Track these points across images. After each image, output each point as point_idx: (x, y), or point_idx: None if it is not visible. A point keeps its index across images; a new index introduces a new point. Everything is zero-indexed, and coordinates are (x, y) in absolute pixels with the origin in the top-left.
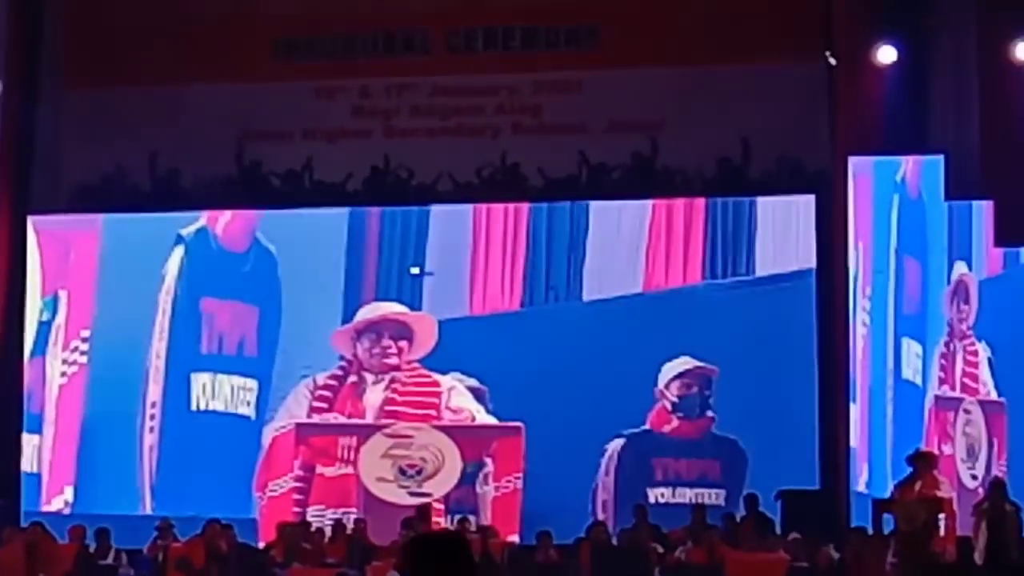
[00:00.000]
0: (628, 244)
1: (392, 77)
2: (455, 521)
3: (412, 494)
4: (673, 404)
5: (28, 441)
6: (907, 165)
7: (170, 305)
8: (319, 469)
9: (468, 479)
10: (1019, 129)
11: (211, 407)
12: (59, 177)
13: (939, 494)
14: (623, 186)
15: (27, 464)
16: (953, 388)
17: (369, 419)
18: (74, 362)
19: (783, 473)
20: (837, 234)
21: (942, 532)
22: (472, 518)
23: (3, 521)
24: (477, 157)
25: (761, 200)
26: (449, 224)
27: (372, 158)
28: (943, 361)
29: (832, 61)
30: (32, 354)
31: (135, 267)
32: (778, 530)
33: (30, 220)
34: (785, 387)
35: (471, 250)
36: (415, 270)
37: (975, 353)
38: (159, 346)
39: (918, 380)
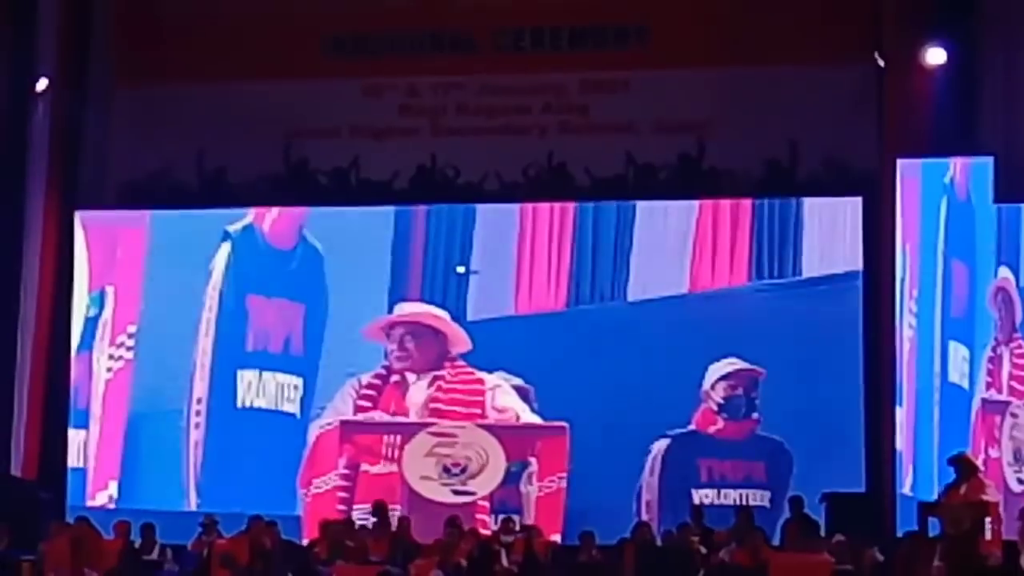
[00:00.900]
0: (674, 245)
1: (440, 76)
2: (499, 521)
3: (456, 492)
4: (719, 405)
5: (74, 436)
6: (955, 167)
7: (216, 302)
8: (363, 467)
9: (512, 478)
10: None
11: (256, 404)
12: (107, 173)
13: (985, 498)
14: (670, 186)
15: (73, 459)
16: (1000, 391)
17: (413, 417)
18: (120, 357)
19: (828, 475)
20: (884, 236)
21: (988, 536)
22: (516, 518)
23: (49, 515)
24: (524, 156)
25: (808, 201)
26: (495, 223)
27: (419, 156)
28: (990, 365)
29: (880, 62)
30: (79, 349)
31: (182, 263)
32: (822, 532)
33: (78, 216)
34: (831, 389)
35: (517, 249)
36: (461, 269)
37: (1023, 356)
38: (205, 343)
39: (965, 383)
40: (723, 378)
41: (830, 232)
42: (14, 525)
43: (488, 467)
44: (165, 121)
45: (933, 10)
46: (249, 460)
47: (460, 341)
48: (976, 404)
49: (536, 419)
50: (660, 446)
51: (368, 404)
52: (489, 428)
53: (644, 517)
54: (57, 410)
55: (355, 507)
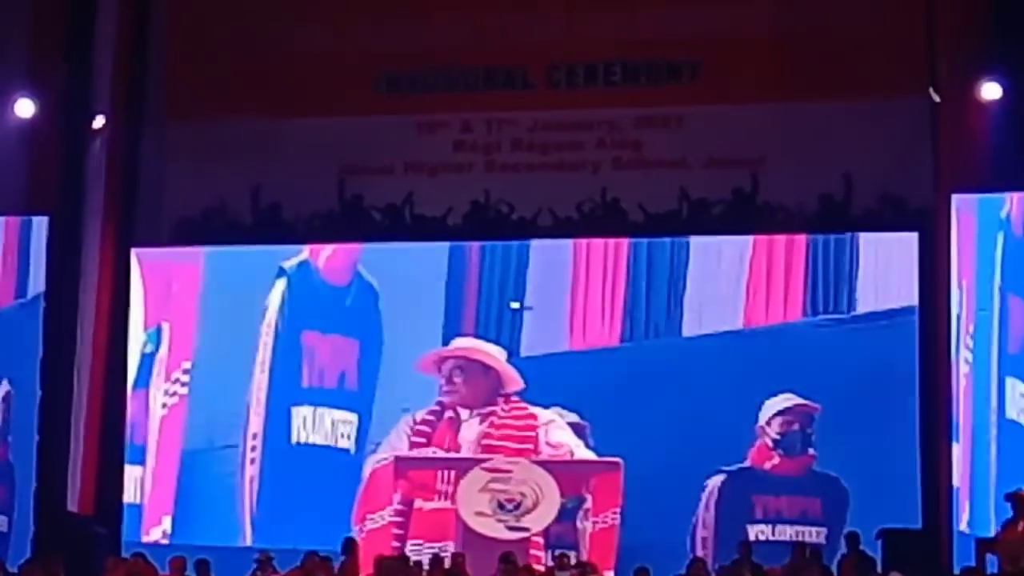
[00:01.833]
0: (728, 280)
1: (493, 112)
2: (553, 556)
3: (510, 528)
4: (774, 441)
5: (131, 472)
6: (1011, 202)
7: (271, 338)
8: (417, 503)
9: (568, 514)
10: None
11: (311, 440)
12: (162, 210)
13: None
14: (724, 222)
15: (130, 495)
16: None
17: (466, 453)
18: (175, 394)
19: (885, 512)
20: (940, 272)
21: None
22: (572, 553)
23: (104, 551)
24: (577, 192)
25: (863, 237)
26: (549, 259)
27: (473, 192)
28: None
29: (936, 97)
30: (135, 386)
31: (237, 300)
32: (879, 569)
33: (134, 252)
34: (887, 425)
35: (571, 285)
36: (515, 304)
37: None
38: (260, 379)
39: (1022, 420)
40: (779, 414)
41: (885, 267)
42: (70, 560)
43: (542, 503)
44: (220, 157)
45: (988, 45)
46: (304, 496)
47: (512, 380)
48: None
49: (590, 455)
50: (715, 482)
51: (422, 440)
52: (543, 464)
53: (699, 553)
54: (113, 446)
55: (409, 543)
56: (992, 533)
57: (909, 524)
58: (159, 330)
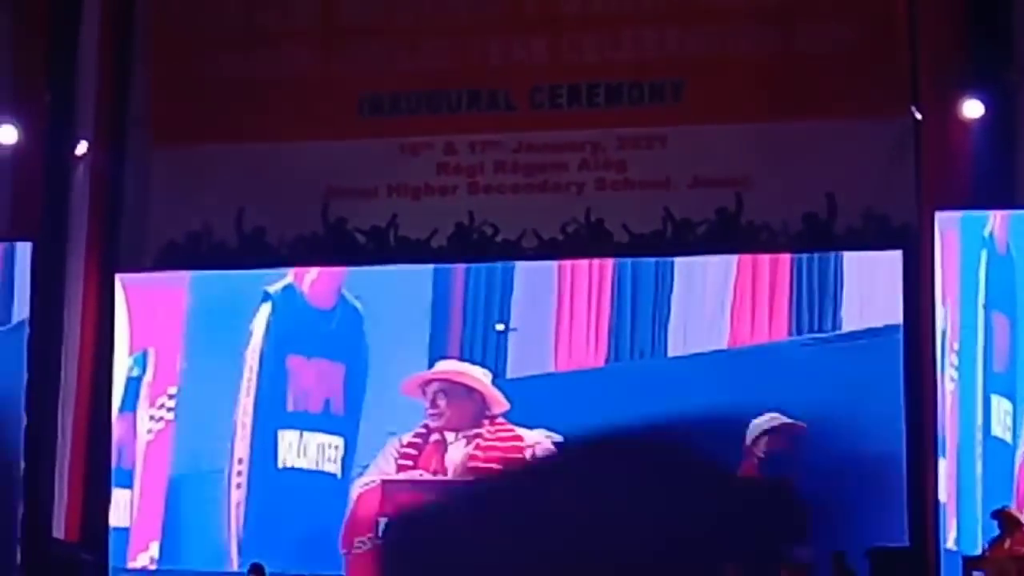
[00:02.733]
0: (713, 300)
1: (476, 134)
2: None
3: None
4: (760, 460)
5: (121, 496)
6: (995, 220)
7: (257, 362)
8: None
9: None
10: None
11: (297, 464)
12: (146, 235)
13: None
14: (708, 242)
15: (118, 520)
16: None
17: (452, 476)
18: (160, 419)
19: (871, 530)
20: (924, 290)
21: None
22: None
23: None
24: (561, 213)
25: (847, 256)
26: (534, 280)
27: (457, 214)
28: None
29: (918, 116)
30: (124, 409)
31: (222, 324)
32: None
33: (118, 278)
34: (872, 443)
35: (556, 306)
36: (500, 327)
37: None
38: (246, 403)
39: (1008, 437)
40: (765, 433)
41: (869, 286)
42: None
43: None
44: (203, 182)
45: (970, 63)
46: (291, 520)
47: (496, 401)
48: (1019, 458)
49: None
50: None
51: (409, 463)
52: None
53: None
54: (99, 472)
55: None
56: (979, 551)
57: (896, 542)
58: (145, 354)
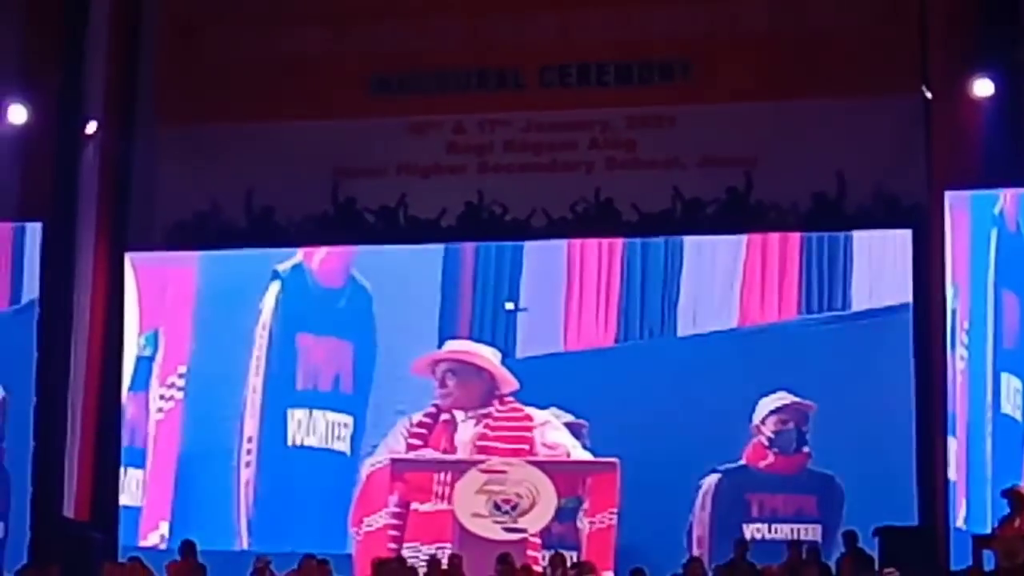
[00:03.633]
0: (723, 279)
1: (486, 113)
2: (549, 556)
3: (507, 529)
4: (769, 439)
5: (133, 475)
6: (1005, 198)
7: (266, 341)
8: (414, 505)
9: (566, 515)
10: None
11: (307, 443)
12: (155, 214)
13: None
14: (717, 221)
15: (129, 498)
16: None
17: (462, 455)
18: (171, 398)
19: (881, 509)
20: (934, 268)
21: None
22: (572, 554)
23: (101, 556)
24: (571, 192)
25: (857, 235)
26: (543, 260)
27: (466, 194)
28: None
29: (928, 94)
30: (134, 388)
31: (231, 303)
32: (876, 567)
33: (127, 257)
34: (882, 422)
35: (565, 285)
36: (510, 306)
37: None
38: (255, 381)
39: (1018, 415)
40: (773, 412)
41: (879, 265)
42: (67, 566)
43: (539, 504)
44: (213, 161)
45: (980, 41)
46: (300, 499)
47: (505, 381)
48: None
49: (587, 455)
50: (711, 481)
51: (419, 442)
52: (539, 465)
53: (695, 552)
54: (109, 451)
55: (406, 545)
56: (989, 529)
57: (905, 521)
58: (155, 334)
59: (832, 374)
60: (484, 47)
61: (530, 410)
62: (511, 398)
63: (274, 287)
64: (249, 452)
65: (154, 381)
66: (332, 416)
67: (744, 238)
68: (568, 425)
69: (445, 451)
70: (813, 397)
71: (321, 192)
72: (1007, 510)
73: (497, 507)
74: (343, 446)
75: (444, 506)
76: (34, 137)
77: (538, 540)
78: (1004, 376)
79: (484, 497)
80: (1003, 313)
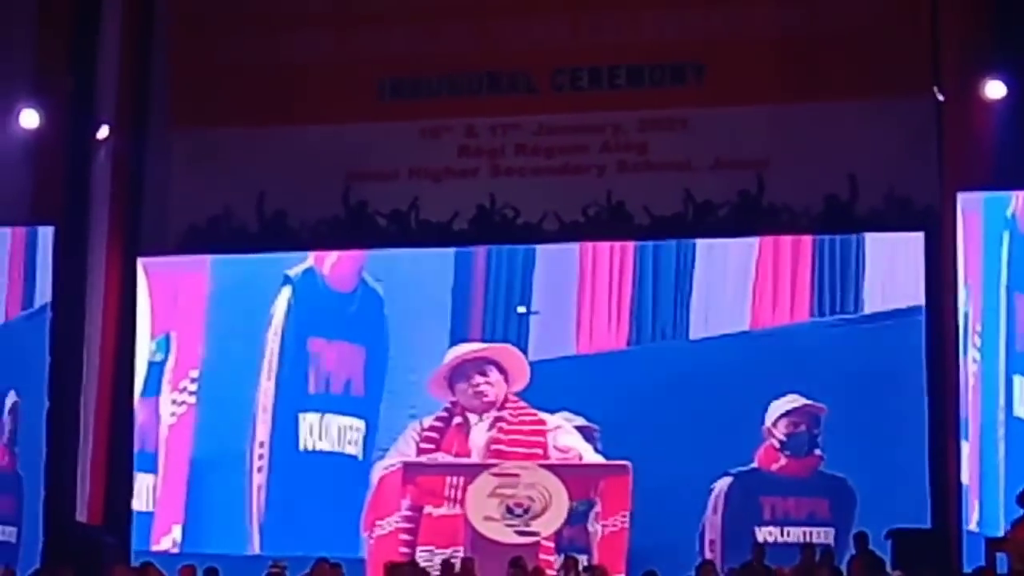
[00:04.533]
0: (735, 282)
1: (497, 116)
2: (561, 560)
3: (519, 533)
4: (781, 442)
5: (143, 480)
6: (1017, 200)
7: (278, 345)
8: (427, 509)
9: (578, 518)
10: None
11: (318, 447)
12: (167, 218)
13: None
14: (729, 224)
15: (141, 503)
16: None
17: (475, 459)
18: (183, 402)
19: (893, 512)
20: (946, 270)
21: None
22: (584, 557)
23: (114, 560)
24: (583, 195)
25: (869, 237)
26: (555, 263)
27: (478, 197)
28: None
29: (940, 96)
30: (147, 393)
31: (243, 307)
32: (888, 569)
33: (140, 261)
34: (895, 425)
35: (577, 289)
36: (521, 309)
37: None
38: (267, 386)
39: None
40: (785, 415)
41: (891, 267)
42: (79, 570)
43: (551, 507)
44: (224, 165)
45: (992, 43)
46: (312, 503)
47: (521, 373)
48: None
49: (599, 458)
50: (723, 484)
51: (431, 446)
52: (551, 468)
53: (708, 556)
54: (121, 455)
55: (418, 549)
56: (1002, 532)
57: (918, 524)
58: (168, 338)
59: (844, 377)
60: (495, 50)
61: (543, 414)
62: (524, 403)
63: (286, 291)
64: (261, 456)
65: (166, 386)
66: (344, 420)
67: (756, 241)
68: (579, 429)
69: (458, 454)
70: (825, 400)
71: (333, 196)
72: (1019, 512)
73: (509, 510)
74: (355, 450)
75: (456, 510)
76: (46, 141)
77: (551, 543)
78: (1017, 379)
79: (496, 500)
80: (1016, 315)
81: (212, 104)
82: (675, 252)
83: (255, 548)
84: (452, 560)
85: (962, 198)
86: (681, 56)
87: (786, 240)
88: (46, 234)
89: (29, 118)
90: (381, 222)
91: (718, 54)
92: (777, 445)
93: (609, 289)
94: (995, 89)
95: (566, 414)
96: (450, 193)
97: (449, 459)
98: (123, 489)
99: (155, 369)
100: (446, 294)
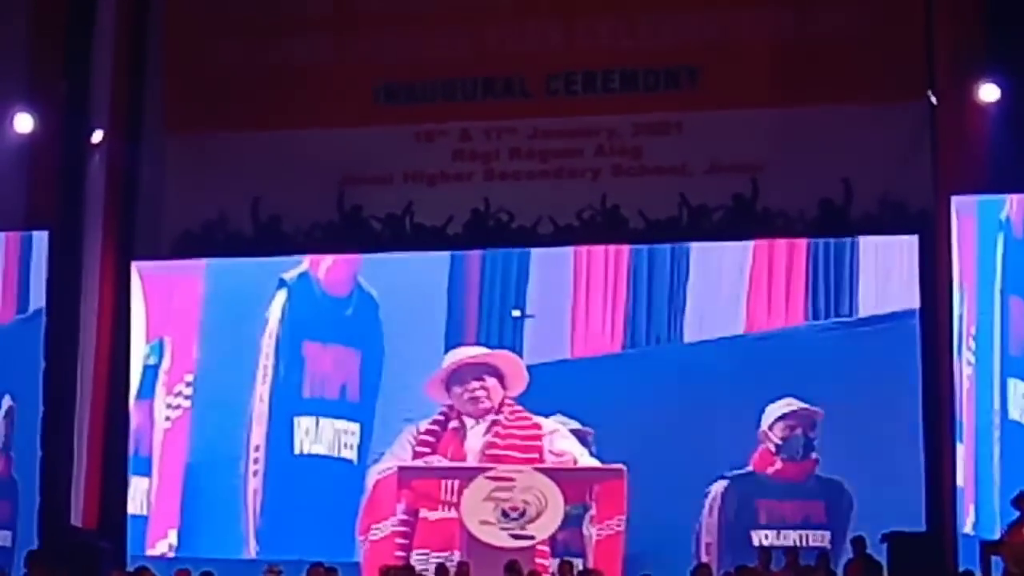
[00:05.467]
0: (729, 286)
1: (492, 120)
2: (557, 563)
3: (515, 536)
4: (777, 446)
5: (138, 484)
6: (1011, 204)
7: (273, 349)
8: (422, 512)
9: (574, 521)
10: None
11: (314, 451)
12: (162, 223)
13: None
14: (724, 228)
15: (137, 507)
16: None
17: (471, 463)
18: (178, 406)
19: (889, 515)
20: (941, 274)
21: None
22: (579, 561)
23: (109, 565)
24: (577, 199)
25: (863, 240)
26: (550, 267)
27: (472, 201)
28: None
29: (934, 100)
30: (140, 396)
31: (238, 312)
32: (885, 573)
33: (134, 266)
34: (890, 428)
35: (572, 292)
36: (516, 313)
37: None
38: (262, 390)
39: None
40: (781, 419)
41: (886, 271)
42: (74, 575)
43: (547, 511)
44: (219, 170)
45: (985, 47)
46: (307, 507)
47: (519, 379)
48: None
49: (594, 462)
50: (718, 488)
51: (426, 450)
52: (547, 472)
53: (703, 559)
54: (116, 460)
55: (414, 553)
56: (997, 535)
57: (913, 527)
58: (161, 343)
59: (839, 380)
60: (490, 55)
61: (538, 419)
62: (519, 406)
63: (281, 295)
64: (256, 461)
65: (161, 390)
66: (339, 424)
67: (751, 244)
68: (574, 432)
69: (454, 458)
70: (820, 403)
71: (327, 200)
72: (1015, 515)
73: (505, 514)
74: (350, 454)
75: (452, 514)
76: (40, 146)
77: (546, 547)
78: (1011, 382)
79: (492, 504)
80: (1010, 319)
81: (206, 108)
82: (670, 256)
83: (251, 552)
84: (447, 564)
85: (956, 201)
86: (675, 60)
87: (781, 244)
88: (40, 238)
89: (23, 122)
90: (376, 226)
91: (712, 58)
92: (773, 449)
93: (604, 293)
94: (989, 93)
95: (560, 417)
96: (445, 197)
97: (445, 463)
98: (118, 494)
99: (150, 373)
100: (441, 298)
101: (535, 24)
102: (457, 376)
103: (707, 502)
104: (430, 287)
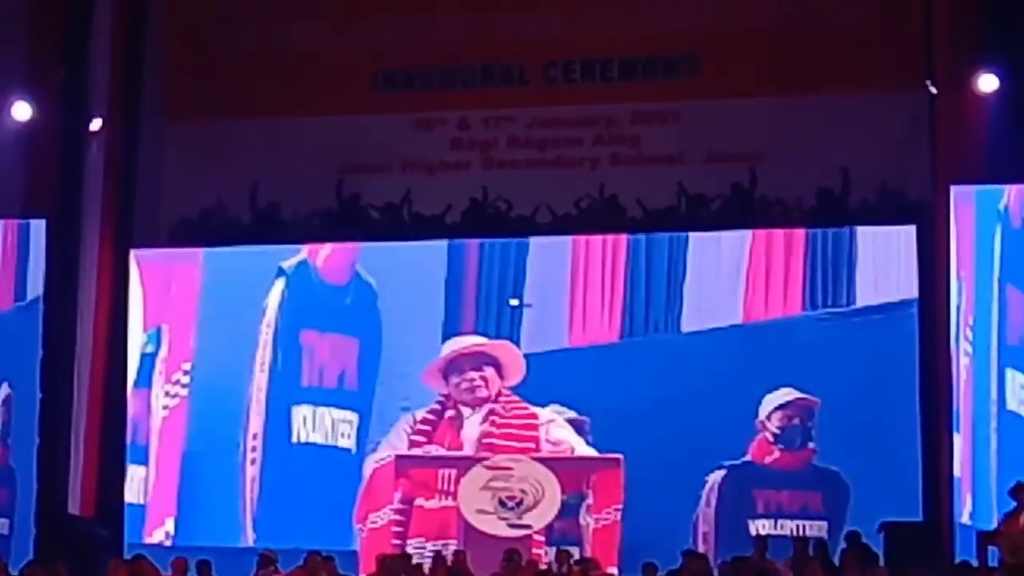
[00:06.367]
0: (727, 275)
1: (490, 109)
2: (554, 552)
3: (512, 526)
4: (774, 435)
5: (135, 472)
6: (1010, 194)
7: (271, 338)
8: (419, 501)
9: (570, 511)
10: None
11: (311, 439)
12: (160, 211)
13: None
14: (722, 217)
15: (133, 495)
16: None
17: (468, 452)
18: (176, 395)
19: (886, 504)
20: (939, 264)
21: None
22: (576, 550)
23: (106, 553)
24: (575, 188)
25: (861, 230)
26: (548, 256)
27: (471, 190)
28: None
29: (933, 90)
30: (138, 385)
31: (236, 300)
32: (881, 563)
33: (132, 254)
34: (887, 418)
35: (570, 282)
36: (514, 302)
37: None
38: (260, 378)
39: (1022, 411)
40: (778, 408)
41: (884, 260)
42: (72, 563)
43: (543, 500)
44: (217, 158)
45: (984, 36)
46: (305, 495)
47: (516, 370)
48: None
49: (591, 451)
50: (716, 477)
51: (423, 439)
52: (544, 461)
53: (700, 549)
54: (114, 448)
55: (410, 541)
56: (993, 525)
57: (910, 516)
58: (159, 331)
59: (837, 370)
60: (488, 43)
61: (535, 408)
62: (515, 395)
63: (279, 284)
64: (254, 449)
65: (158, 378)
66: (337, 413)
67: (749, 234)
68: (571, 421)
69: (451, 447)
70: (818, 393)
71: (326, 188)
72: (1011, 505)
73: (502, 503)
74: (348, 443)
75: (449, 502)
76: (38, 134)
77: (543, 536)
78: (1009, 372)
79: (489, 493)
80: (1007, 309)
81: (205, 96)
82: (668, 245)
83: (248, 540)
84: (444, 553)
85: (954, 191)
86: (674, 49)
87: (779, 233)
88: (38, 227)
89: (21, 111)
90: (374, 215)
91: (711, 47)
92: (771, 438)
93: (601, 282)
94: (988, 82)
95: (557, 407)
96: (443, 186)
97: (442, 452)
98: (116, 481)
99: (147, 361)
100: (439, 287)
101: (534, 12)
102: (455, 365)
103: (704, 491)
104: (428, 276)
